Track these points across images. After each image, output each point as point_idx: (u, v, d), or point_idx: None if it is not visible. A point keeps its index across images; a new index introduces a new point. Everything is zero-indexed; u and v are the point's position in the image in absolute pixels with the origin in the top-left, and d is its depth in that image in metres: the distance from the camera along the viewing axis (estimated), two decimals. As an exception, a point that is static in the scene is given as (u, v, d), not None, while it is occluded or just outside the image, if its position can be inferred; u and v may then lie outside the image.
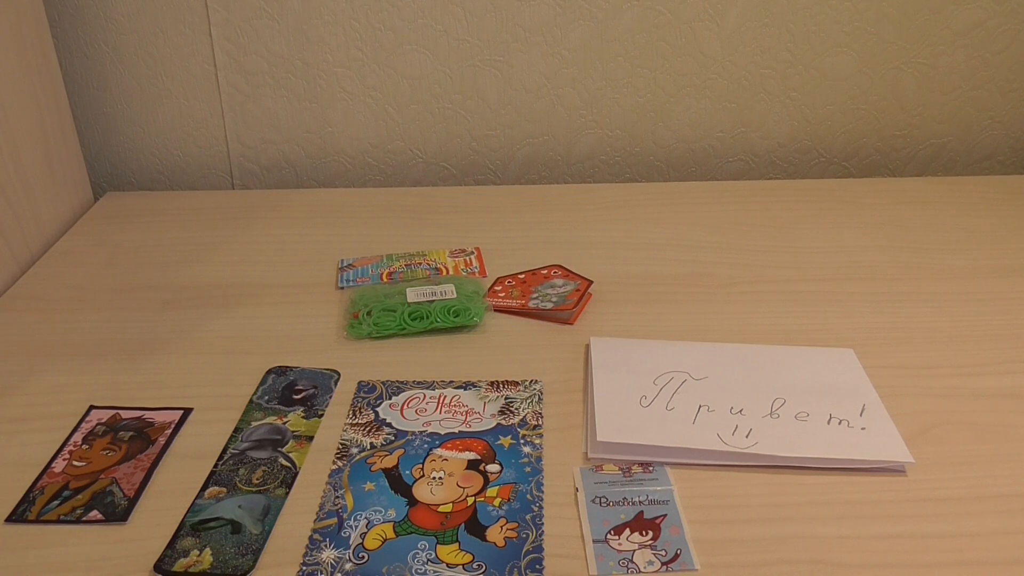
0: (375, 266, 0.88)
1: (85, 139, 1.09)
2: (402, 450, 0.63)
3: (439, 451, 0.63)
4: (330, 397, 0.69)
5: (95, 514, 0.58)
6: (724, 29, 1.04)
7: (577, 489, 0.60)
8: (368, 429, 0.66)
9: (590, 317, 0.80)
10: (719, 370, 0.71)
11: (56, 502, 0.59)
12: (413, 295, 0.80)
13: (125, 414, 0.68)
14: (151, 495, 0.60)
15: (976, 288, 0.83)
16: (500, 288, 0.84)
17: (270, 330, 0.78)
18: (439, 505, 0.58)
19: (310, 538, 0.56)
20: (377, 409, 0.68)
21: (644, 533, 0.56)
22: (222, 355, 0.75)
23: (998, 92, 1.09)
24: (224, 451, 0.64)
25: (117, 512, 0.58)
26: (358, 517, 0.57)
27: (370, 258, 0.89)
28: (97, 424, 0.66)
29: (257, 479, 0.61)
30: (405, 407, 0.68)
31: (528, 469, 0.61)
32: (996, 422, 0.66)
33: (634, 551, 0.55)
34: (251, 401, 0.69)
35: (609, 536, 0.56)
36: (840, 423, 0.65)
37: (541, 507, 0.58)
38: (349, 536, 0.56)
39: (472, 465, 0.62)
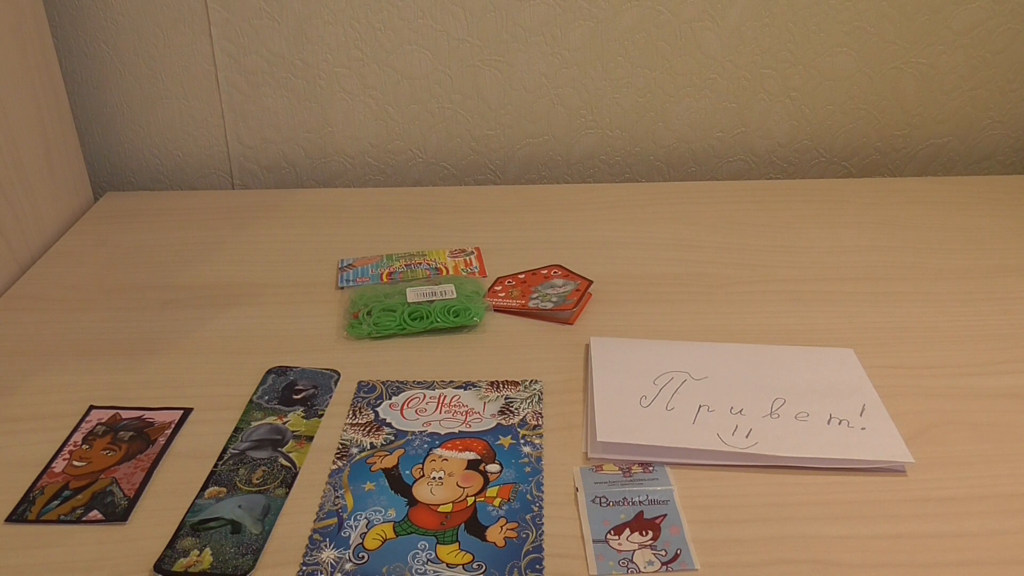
0: (375, 266, 0.88)
1: (85, 139, 1.09)
2: (402, 450, 0.63)
3: (439, 451, 0.63)
4: (330, 397, 0.69)
5: (95, 514, 0.58)
6: (724, 29, 1.04)
7: (577, 489, 0.60)
8: (368, 429, 0.66)
9: (590, 317, 0.80)
10: (719, 370, 0.71)
11: (56, 502, 0.59)
12: (413, 295, 0.80)
13: (125, 414, 0.68)
14: (151, 495, 0.60)
15: (976, 288, 0.83)
16: (500, 288, 0.84)
17: (270, 330, 0.78)
18: (439, 505, 0.58)
19: (310, 538, 0.56)
20: (377, 409, 0.68)
21: (644, 533, 0.56)
22: (222, 355, 0.75)
23: (998, 92, 1.09)
24: (224, 451, 0.64)
25: (117, 512, 0.58)
26: (358, 517, 0.57)
27: (370, 258, 0.89)
28: (97, 424, 0.66)
29: (257, 479, 0.61)
30: (405, 407, 0.68)
31: (528, 469, 0.61)
32: (996, 422, 0.66)
33: (634, 551, 0.55)
34: (251, 401, 0.69)
35: (609, 536, 0.56)
36: (840, 423, 0.65)
37: (541, 507, 0.58)
38: (349, 536, 0.56)
39: (472, 465, 0.62)
